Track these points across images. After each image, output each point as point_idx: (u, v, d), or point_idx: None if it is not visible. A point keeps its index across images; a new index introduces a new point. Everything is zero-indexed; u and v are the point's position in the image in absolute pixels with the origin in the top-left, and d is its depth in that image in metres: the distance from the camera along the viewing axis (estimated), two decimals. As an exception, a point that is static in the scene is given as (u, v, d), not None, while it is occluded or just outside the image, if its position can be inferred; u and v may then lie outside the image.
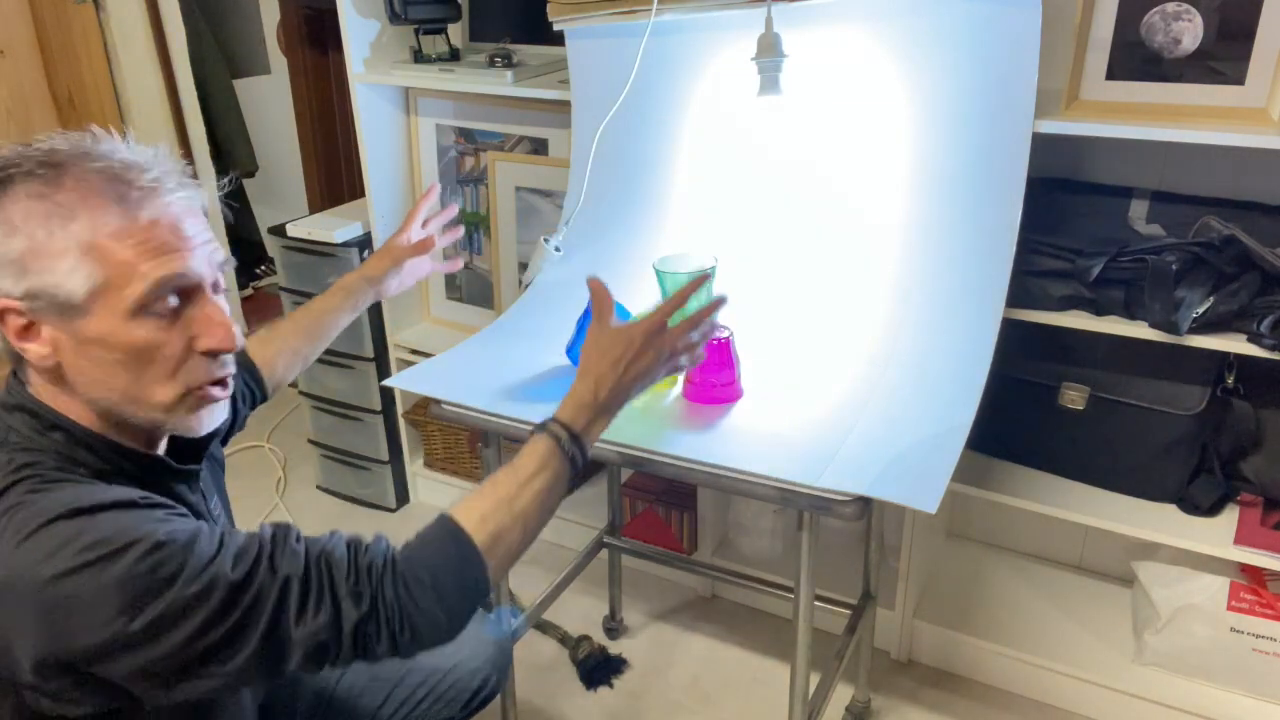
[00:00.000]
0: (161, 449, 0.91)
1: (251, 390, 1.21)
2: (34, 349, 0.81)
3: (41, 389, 0.84)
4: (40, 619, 0.73)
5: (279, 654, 0.78)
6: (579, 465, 0.96)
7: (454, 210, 1.47)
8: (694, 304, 1.29)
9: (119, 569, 0.73)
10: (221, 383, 0.87)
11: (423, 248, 1.39)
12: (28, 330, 0.81)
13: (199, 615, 0.74)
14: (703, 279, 1.10)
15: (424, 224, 1.41)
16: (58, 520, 0.74)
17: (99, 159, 0.80)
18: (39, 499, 0.76)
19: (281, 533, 0.82)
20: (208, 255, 0.84)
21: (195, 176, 0.87)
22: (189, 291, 0.83)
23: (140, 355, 0.82)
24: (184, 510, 0.83)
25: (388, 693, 1.20)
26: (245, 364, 1.20)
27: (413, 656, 0.85)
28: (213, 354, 0.85)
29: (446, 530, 0.87)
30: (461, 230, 1.51)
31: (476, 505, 0.89)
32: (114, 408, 0.84)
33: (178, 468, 0.91)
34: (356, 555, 0.83)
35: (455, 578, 0.86)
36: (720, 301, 1.06)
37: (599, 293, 1.03)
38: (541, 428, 0.97)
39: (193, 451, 0.95)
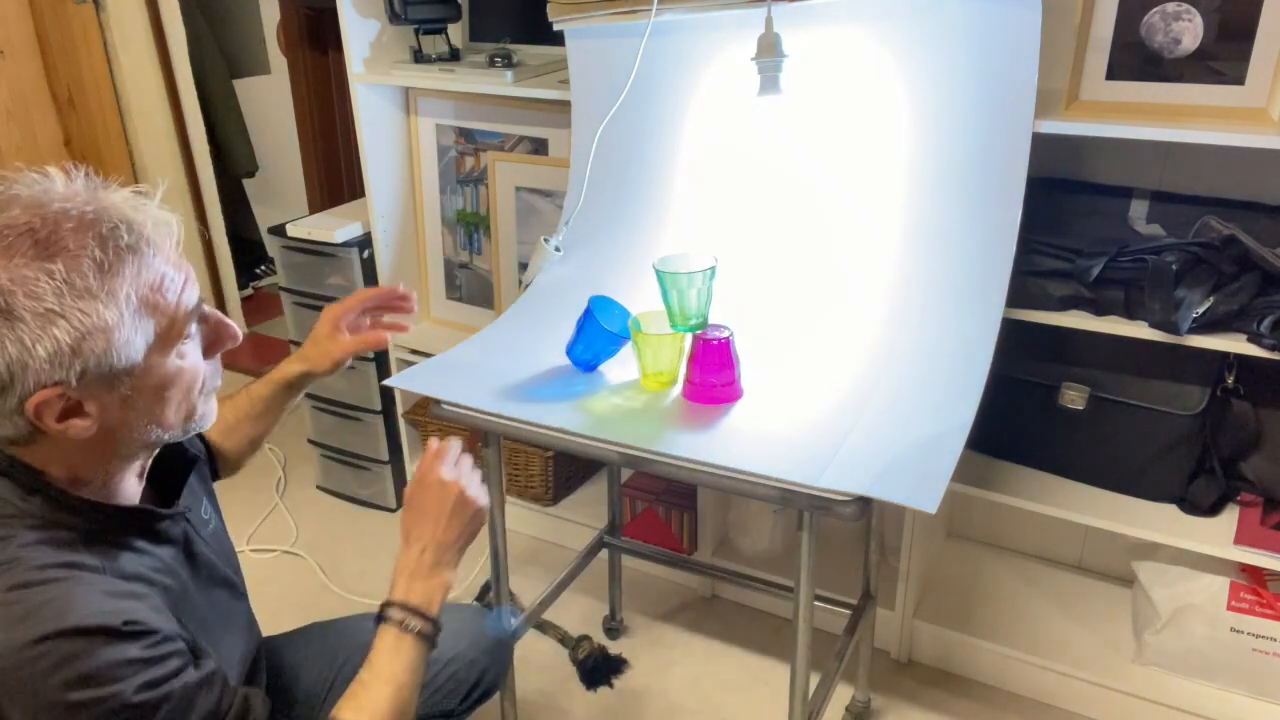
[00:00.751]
0: (143, 480, 0.92)
1: (213, 468, 1.21)
2: (77, 425, 0.79)
3: (18, 452, 0.82)
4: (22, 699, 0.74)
5: None
6: (429, 632, 0.97)
7: (410, 310, 1.34)
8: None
9: (89, 717, 0.74)
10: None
11: (366, 344, 1.28)
12: (68, 411, 0.79)
13: None
14: (443, 447, 1.07)
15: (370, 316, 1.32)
16: (46, 640, 0.74)
17: (85, 218, 0.77)
18: (28, 597, 0.76)
19: None
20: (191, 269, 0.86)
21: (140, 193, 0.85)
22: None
23: (182, 382, 0.84)
24: (167, 632, 0.81)
25: None
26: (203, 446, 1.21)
27: None
28: (223, 350, 0.90)
29: None
30: (406, 328, 1.38)
31: (360, 712, 0.91)
32: (155, 441, 0.86)
33: (162, 513, 0.91)
34: None
35: None
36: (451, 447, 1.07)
37: (429, 453, 1.05)
38: (380, 617, 0.98)
39: (174, 481, 0.96)
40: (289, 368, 1.26)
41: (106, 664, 0.75)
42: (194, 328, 0.85)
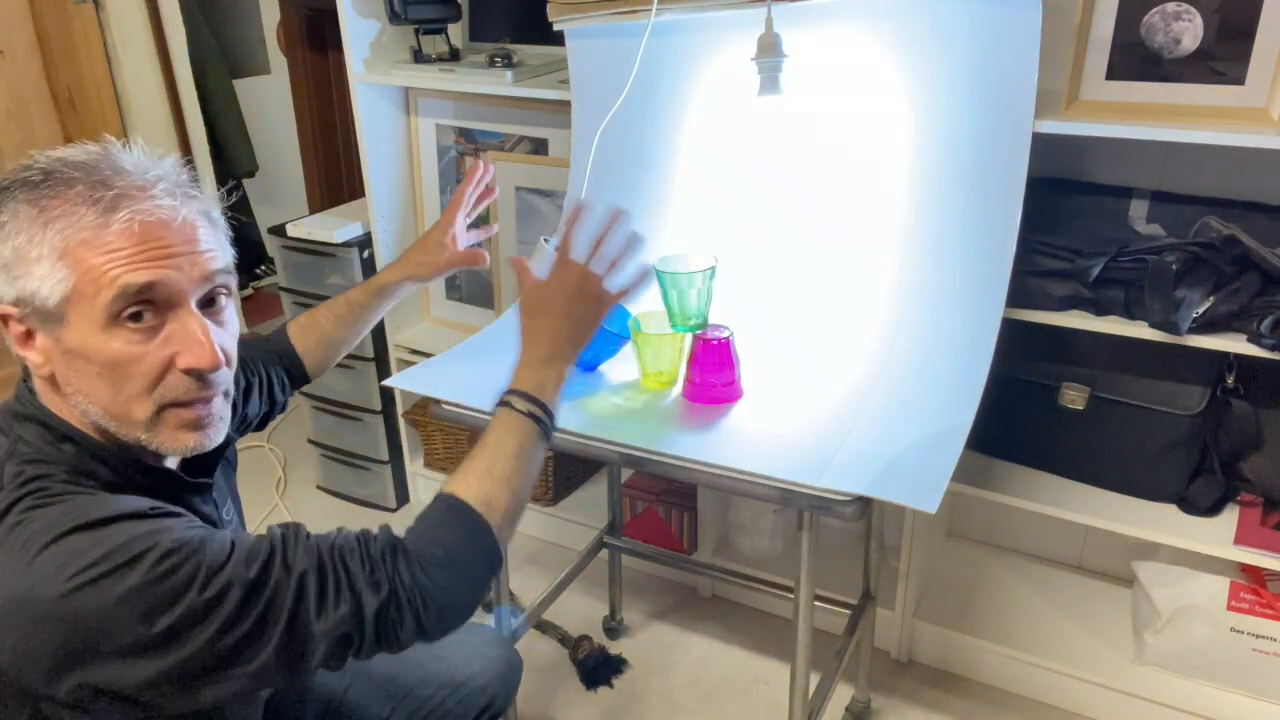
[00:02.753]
0: (174, 462, 0.90)
1: (291, 374, 1.23)
2: (31, 356, 0.82)
3: (49, 398, 0.84)
4: (56, 633, 0.72)
5: (301, 650, 0.78)
6: (544, 421, 0.97)
7: (492, 193, 1.40)
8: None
9: (133, 579, 0.72)
10: (204, 401, 0.84)
11: (470, 259, 1.34)
12: (26, 338, 0.82)
13: (217, 618, 0.74)
14: (578, 210, 1.06)
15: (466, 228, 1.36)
16: (68, 535, 0.74)
17: (91, 166, 0.80)
18: (46, 513, 0.76)
19: (292, 531, 0.82)
20: (196, 265, 0.81)
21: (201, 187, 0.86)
22: (167, 303, 0.80)
23: (115, 368, 0.79)
24: (195, 519, 0.82)
25: (394, 704, 1.19)
26: (285, 350, 1.23)
27: (439, 637, 0.85)
28: (192, 373, 0.81)
29: (448, 505, 0.89)
30: (495, 228, 1.44)
31: (463, 480, 0.91)
32: (99, 421, 0.82)
33: (190, 481, 0.90)
34: (368, 545, 0.83)
35: (467, 547, 0.87)
36: (617, 214, 1.06)
37: (518, 265, 1.07)
38: (497, 402, 0.98)
39: (205, 462, 0.94)
40: (392, 274, 1.30)
41: (139, 534, 0.75)
42: (143, 319, 0.79)
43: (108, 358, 0.79)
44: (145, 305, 0.79)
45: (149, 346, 0.80)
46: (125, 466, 0.84)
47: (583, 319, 1.03)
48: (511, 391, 0.98)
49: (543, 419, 0.96)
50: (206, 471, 0.94)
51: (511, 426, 0.95)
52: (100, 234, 0.78)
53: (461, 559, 0.86)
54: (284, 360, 1.22)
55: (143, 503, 0.79)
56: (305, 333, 1.25)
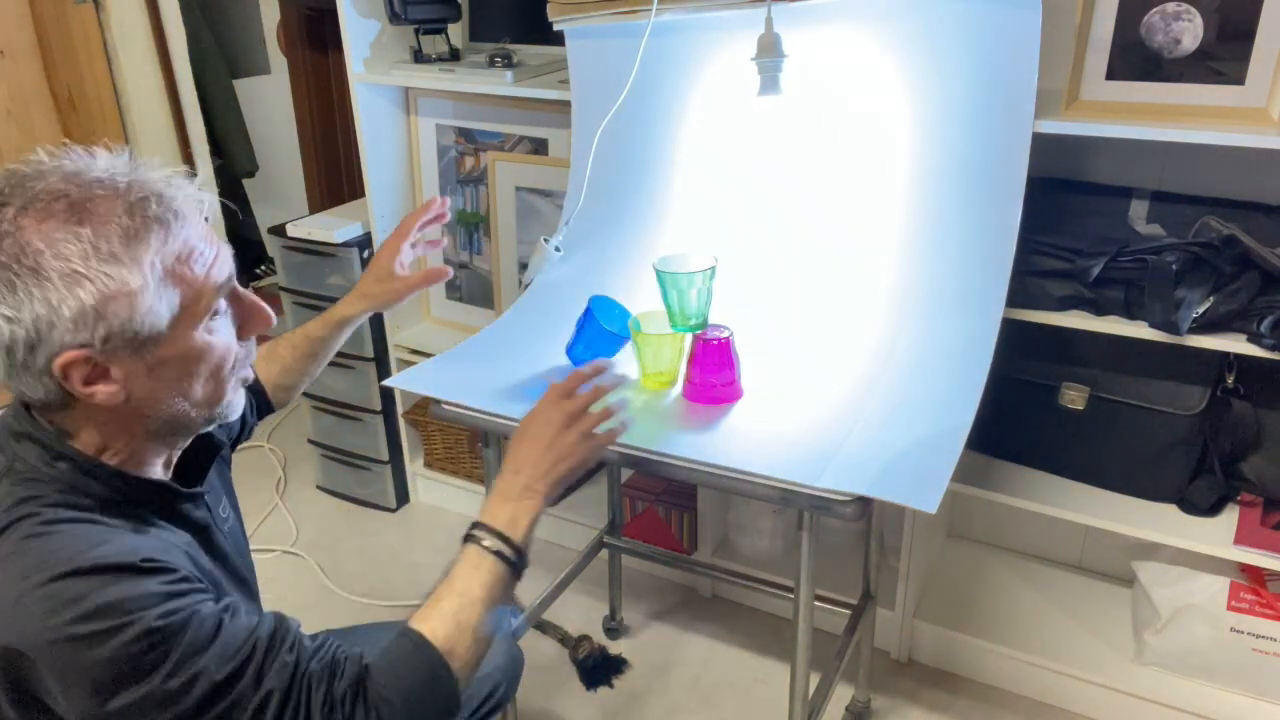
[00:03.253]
0: (167, 473, 0.92)
1: (255, 402, 1.23)
2: (103, 390, 0.80)
3: (50, 417, 0.84)
4: (33, 661, 0.74)
5: None
6: (514, 561, 0.95)
7: (443, 219, 1.38)
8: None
9: (108, 649, 0.73)
10: (250, 358, 0.92)
11: (432, 278, 1.33)
12: (97, 377, 0.80)
13: (172, 710, 0.75)
14: (597, 370, 1.09)
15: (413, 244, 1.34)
16: (60, 579, 0.74)
17: (118, 188, 0.79)
18: (43, 546, 0.76)
19: (280, 635, 0.82)
20: (223, 244, 0.86)
21: (192, 173, 0.87)
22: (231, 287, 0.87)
23: (214, 360, 0.85)
24: (185, 572, 0.81)
25: None
26: (252, 384, 1.22)
27: None
28: (256, 336, 0.90)
29: (414, 645, 0.88)
30: (443, 241, 1.46)
31: (430, 620, 0.90)
32: (182, 418, 0.85)
33: (184, 491, 0.91)
34: (334, 680, 0.83)
35: (427, 695, 0.87)
36: (619, 379, 1.11)
37: (559, 384, 1.07)
38: (466, 534, 0.97)
39: (198, 467, 0.96)
40: (351, 307, 1.30)
41: (126, 596, 0.75)
42: (223, 304, 0.85)
43: (209, 353, 0.84)
44: (229, 295, 0.86)
45: (228, 327, 0.87)
46: (121, 482, 0.85)
47: (566, 456, 1.02)
48: (482, 526, 0.96)
49: (513, 559, 0.95)
50: (199, 477, 0.95)
51: (480, 566, 0.93)
52: (179, 244, 0.80)
53: (419, 710, 0.86)
54: (251, 391, 1.22)
55: (138, 547, 0.79)
56: (267, 364, 1.26)
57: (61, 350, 0.77)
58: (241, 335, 0.89)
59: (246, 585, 1.03)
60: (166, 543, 0.86)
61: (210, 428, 0.91)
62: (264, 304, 0.90)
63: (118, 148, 0.83)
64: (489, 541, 0.94)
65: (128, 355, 0.79)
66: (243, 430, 1.19)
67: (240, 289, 0.88)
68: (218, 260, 0.84)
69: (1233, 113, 1.32)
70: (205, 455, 0.98)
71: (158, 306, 0.79)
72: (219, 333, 0.85)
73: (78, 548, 0.76)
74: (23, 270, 0.75)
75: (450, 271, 1.35)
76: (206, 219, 0.84)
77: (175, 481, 0.93)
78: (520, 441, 1.03)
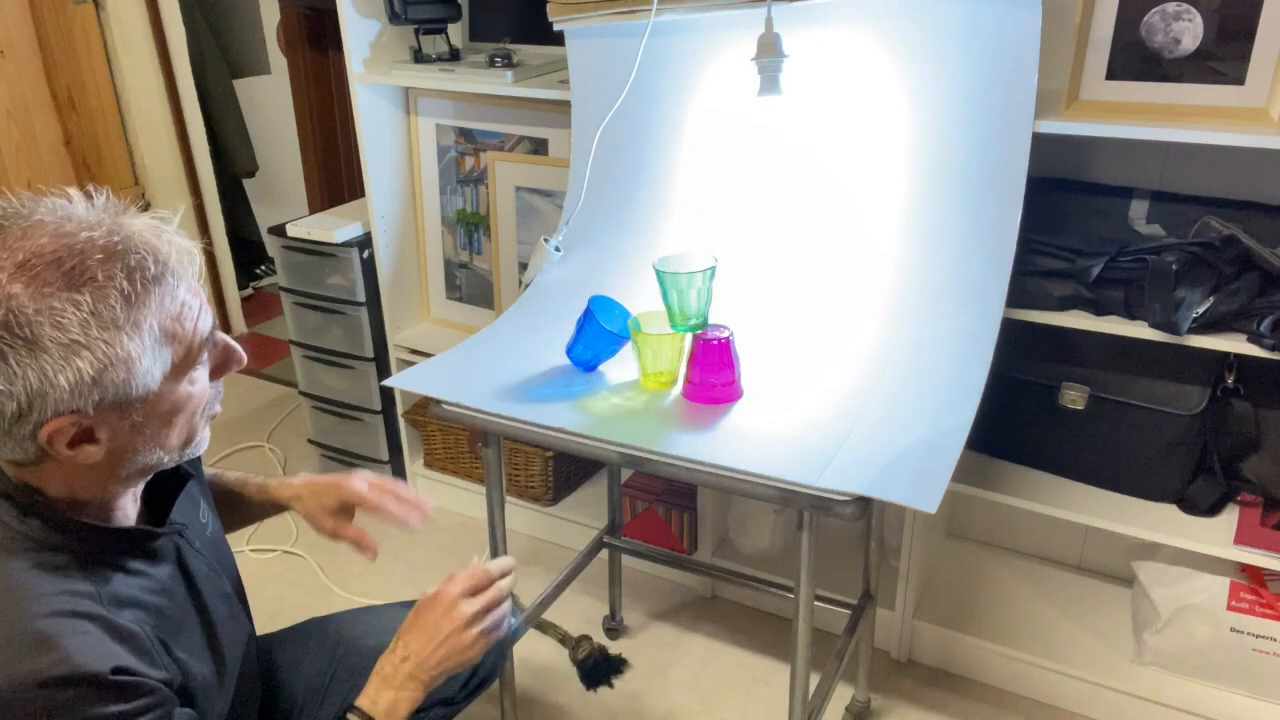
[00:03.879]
0: (137, 510, 0.92)
1: None
2: (88, 451, 0.79)
3: (17, 472, 0.82)
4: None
5: None
6: None
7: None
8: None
9: None
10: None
11: (360, 547, 1.20)
12: (80, 438, 0.79)
13: None
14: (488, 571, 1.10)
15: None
16: (47, 687, 0.74)
17: (114, 249, 0.76)
18: (30, 634, 0.76)
19: None
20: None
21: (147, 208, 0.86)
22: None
23: (195, 406, 0.85)
24: (152, 681, 0.81)
25: None
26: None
27: None
28: (227, 375, 0.91)
29: None
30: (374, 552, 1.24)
31: None
32: (154, 464, 0.85)
33: (158, 532, 0.91)
34: None
35: None
36: (505, 596, 1.10)
37: (462, 573, 1.07)
38: (344, 714, 0.99)
39: (167, 496, 0.96)
40: (286, 498, 1.20)
41: (91, 715, 0.76)
42: (205, 354, 0.85)
43: (189, 403, 0.84)
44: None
45: (206, 373, 0.86)
46: (93, 535, 0.85)
47: (457, 652, 1.03)
48: (360, 712, 0.98)
49: None
50: (167, 505, 0.95)
51: None
52: (175, 303, 0.79)
53: None
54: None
55: (108, 656, 0.78)
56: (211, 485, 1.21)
57: (52, 418, 0.75)
58: (214, 376, 0.88)
59: (227, 597, 1.03)
60: (145, 594, 0.87)
61: (179, 463, 0.91)
62: (236, 346, 0.90)
63: (95, 190, 0.80)
64: None
65: (115, 417, 0.79)
66: None
67: (218, 334, 0.87)
68: (203, 311, 0.83)
69: (1233, 113, 1.32)
70: (174, 484, 0.97)
71: (153, 369, 0.78)
72: (199, 381, 0.85)
73: (66, 649, 0.76)
74: (16, 341, 0.72)
75: (377, 550, 1.20)
76: (197, 270, 0.83)
77: (146, 506, 0.93)
78: (414, 630, 1.03)
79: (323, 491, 1.19)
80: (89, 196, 0.80)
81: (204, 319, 0.83)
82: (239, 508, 1.21)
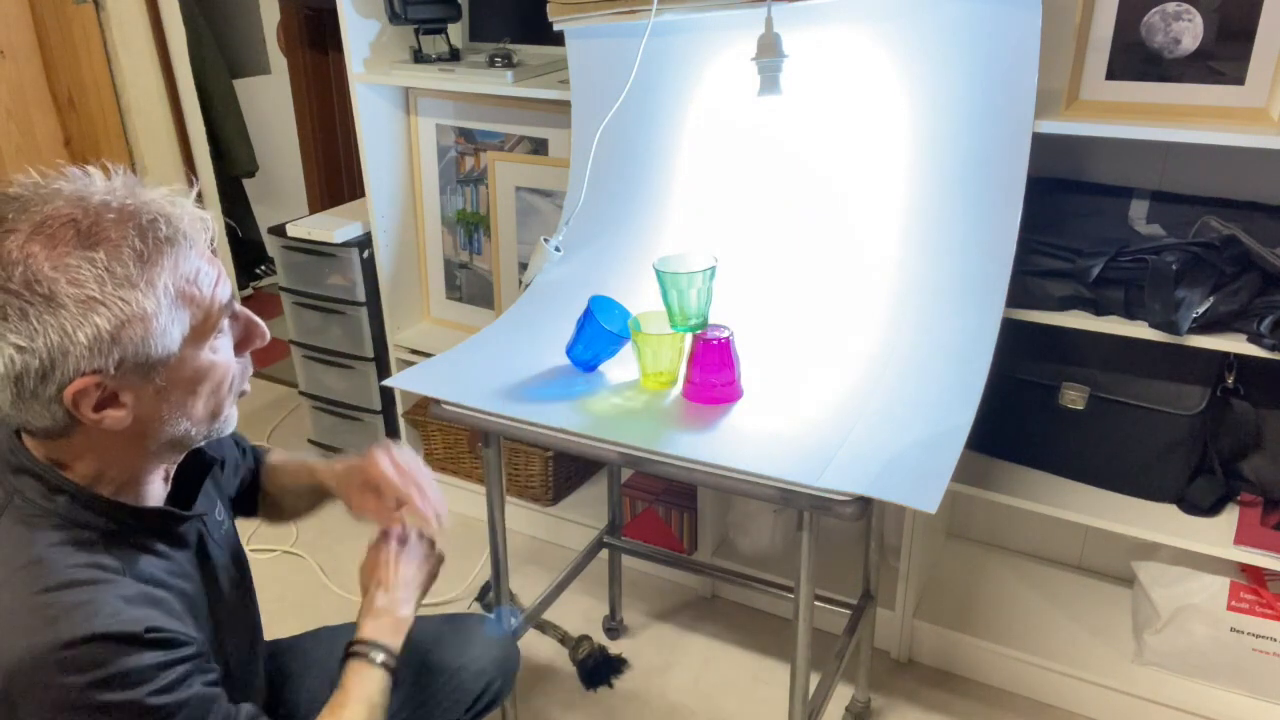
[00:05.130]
0: (168, 484, 0.93)
1: (246, 492, 1.23)
2: (112, 416, 0.80)
3: (47, 448, 0.84)
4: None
5: None
6: (390, 664, 1.02)
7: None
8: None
9: (110, 717, 0.76)
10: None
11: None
12: (104, 401, 0.80)
13: None
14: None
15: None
16: (76, 645, 0.75)
17: (126, 210, 0.78)
18: (56, 602, 0.77)
19: None
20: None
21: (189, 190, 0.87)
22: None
23: (220, 376, 0.86)
24: (185, 638, 0.82)
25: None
26: (257, 466, 1.24)
27: None
28: (255, 350, 0.92)
29: None
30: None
31: None
32: (183, 437, 0.86)
33: (183, 514, 0.92)
34: None
35: None
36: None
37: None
38: (346, 655, 1.02)
39: (192, 484, 0.97)
40: (326, 482, 1.26)
41: (128, 669, 0.76)
42: (226, 323, 0.86)
43: (213, 372, 0.85)
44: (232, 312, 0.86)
45: (229, 344, 0.87)
46: (119, 512, 0.86)
47: (413, 566, 1.13)
48: (363, 642, 1.02)
49: (393, 666, 1.02)
50: (193, 492, 0.97)
51: (372, 678, 1.00)
52: (189, 267, 0.80)
53: None
54: (252, 474, 1.23)
55: (142, 618, 0.79)
56: (275, 474, 1.25)
57: (75, 377, 0.76)
58: (239, 351, 0.89)
59: (241, 591, 1.04)
60: (168, 576, 0.88)
61: (205, 442, 0.92)
62: (259, 321, 0.91)
63: (113, 166, 0.82)
64: (375, 654, 1.01)
65: (138, 379, 0.79)
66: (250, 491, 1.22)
67: (238, 306, 0.89)
68: (221, 279, 0.84)
69: (1233, 113, 1.32)
70: (198, 472, 0.99)
71: (170, 329, 0.79)
72: (222, 351, 0.86)
73: (91, 610, 0.77)
74: (35, 298, 0.74)
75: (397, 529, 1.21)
76: (210, 238, 0.84)
77: (172, 495, 0.94)
78: (370, 567, 1.13)
79: (351, 473, 1.25)
80: (107, 171, 0.82)
81: (222, 287, 0.84)
82: (307, 491, 1.27)
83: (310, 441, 2.44)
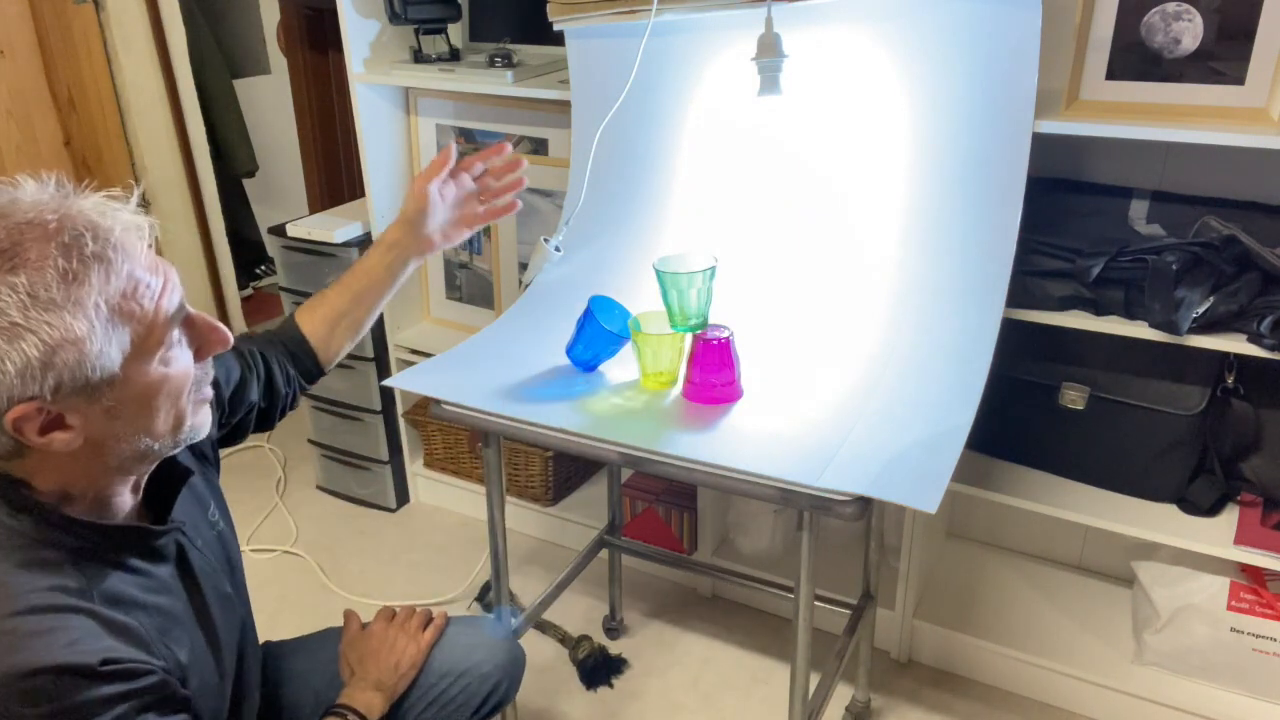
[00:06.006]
0: (138, 494, 0.91)
1: (299, 361, 1.21)
2: (60, 438, 0.78)
3: (8, 466, 0.81)
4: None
5: None
6: None
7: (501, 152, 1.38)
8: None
9: None
10: (210, 376, 0.90)
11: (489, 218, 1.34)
12: (50, 424, 0.77)
13: None
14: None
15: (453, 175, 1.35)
16: (33, 675, 0.74)
17: (49, 227, 0.74)
18: (16, 630, 0.75)
19: None
20: (169, 264, 0.83)
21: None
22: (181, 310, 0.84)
23: (175, 388, 0.83)
24: (144, 669, 0.80)
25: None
26: (291, 337, 1.21)
27: None
28: (214, 355, 0.88)
29: None
30: (522, 182, 1.41)
31: None
32: (146, 451, 0.84)
33: (156, 530, 0.90)
34: None
35: None
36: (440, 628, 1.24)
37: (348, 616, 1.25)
38: (330, 711, 1.09)
39: (167, 493, 0.94)
40: (390, 256, 1.27)
41: (79, 703, 0.75)
42: (176, 334, 0.82)
43: (166, 385, 0.81)
44: (182, 321, 0.83)
45: (185, 353, 0.84)
46: (88, 532, 0.83)
47: (405, 658, 1.18)
48: (345, 708, 1.08)
49: None
50: (169, 501, 0.94)
51: None
52: (123, 281, 0.76)
53: None
54: (290, 346, 1.21)
55: (98, 647, 0.78)
56: (311, 311, 1.23)
57: (10, 406, 0.74)
58: (199, 358, 0.86)
59: (230, 598, 1.02)
60: (142, 593, 0.86)
61: (176, 451, 0.89)
62: (219, 324, 0.86)
63: (46, 175, 0.78)
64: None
65: (82, 401, 0.77)
66: (275, 400, 1.19)
67: (192, 312, 0.85)
68: (166, 288, 0.80)
69: (1233, 113, 1.32)
70: (173, 483, 0.95)
71: (108, 349, 0.75)
72: (175, 362, 0.82)
73: (51, 641, 0.75)
74: None
75: (519, 205, 1.39)
76: (150, 245, 0.80)
77: (147, 504, 0.92)
78: (366, 660, 1.17)
79: (407, 222, 1.29)
80: (40, 180, 0.78)
81: (168, 297, 0.80)
82: (373, 283, 1.26)
83: (310, 441, 2.44)
